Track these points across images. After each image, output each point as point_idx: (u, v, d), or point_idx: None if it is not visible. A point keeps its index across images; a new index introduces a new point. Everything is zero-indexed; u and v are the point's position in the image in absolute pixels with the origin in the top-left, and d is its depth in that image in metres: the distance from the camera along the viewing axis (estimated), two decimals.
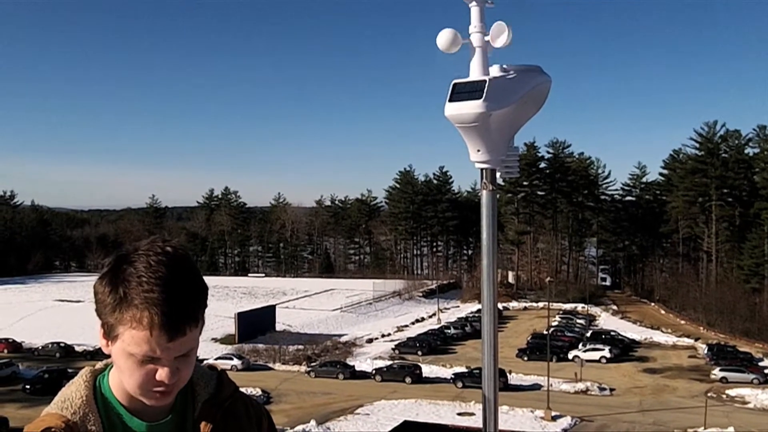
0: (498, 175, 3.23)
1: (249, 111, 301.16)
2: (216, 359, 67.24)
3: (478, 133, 3.11)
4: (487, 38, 3.16)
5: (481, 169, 3.19)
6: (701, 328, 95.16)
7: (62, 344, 77.83)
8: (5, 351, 77.04)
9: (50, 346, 77.93)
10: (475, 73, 3.21)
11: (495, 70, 3.22)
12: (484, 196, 3.17)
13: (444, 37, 3.12)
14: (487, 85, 3.09)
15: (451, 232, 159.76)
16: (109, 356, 1.89)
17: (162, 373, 1.77)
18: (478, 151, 3.17)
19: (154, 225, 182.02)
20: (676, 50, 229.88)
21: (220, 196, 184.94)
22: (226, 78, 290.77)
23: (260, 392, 58.84)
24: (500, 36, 3.11)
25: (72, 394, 1.93)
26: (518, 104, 3.18)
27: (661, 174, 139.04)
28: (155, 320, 1.71)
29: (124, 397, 1.93)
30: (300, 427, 49.26)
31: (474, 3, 3.23)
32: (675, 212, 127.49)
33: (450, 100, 3.12)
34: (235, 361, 69.09)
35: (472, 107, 3.05)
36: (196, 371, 2.02)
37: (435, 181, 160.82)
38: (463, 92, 3.11)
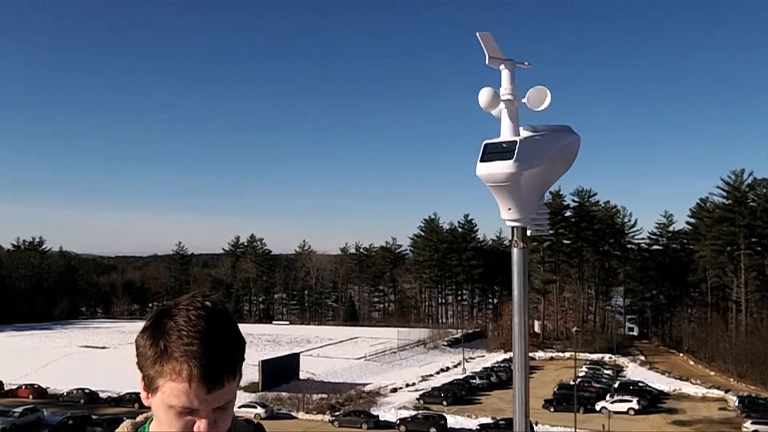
0: (528, 232, 3.30)
1: (274, 158, 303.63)
2: (239, 407, 66.92)
3: (510, 192, 3.19)
4: (522, 100, 3.25)
5: (512, 227, 3.26)
6: (731, 379, 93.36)
7: (87, 390, 77.90)
8: (30, 396, 77.37)
9: (75, 392, 78.01)
10: (505, 134, 3.30)
11: (525, 130, 3.31)
12: (515, 253, 3.24)
13: (484, 96, 3.22)
14: (518, 145, 3.18)
15: (477, 281, 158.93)
16: (148, 408, 1.94)
17: (200, 425, 1.80)
18: (509, 209, 3.24)
19: (180, 272, 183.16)
20: (703, 98, 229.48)
21: (245, 244, 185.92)
22: (249, 126, 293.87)
23: None
24: (540, 100, 3.21)
25: None
26: (548, 164, 3.26)
27: (688, 223, 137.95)
28: (194, 372, 1.76)
29: None
30: None
31: (503, 66, 3.34)
32: (703, 261, 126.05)
33: (481, 160, 3.21)
34: (259, 410, 68.74)
35: (503, 167, 3.14)
36: (233, 424, 2.03)
37: (460, 229, 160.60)
38: (495, 152, 3.20)
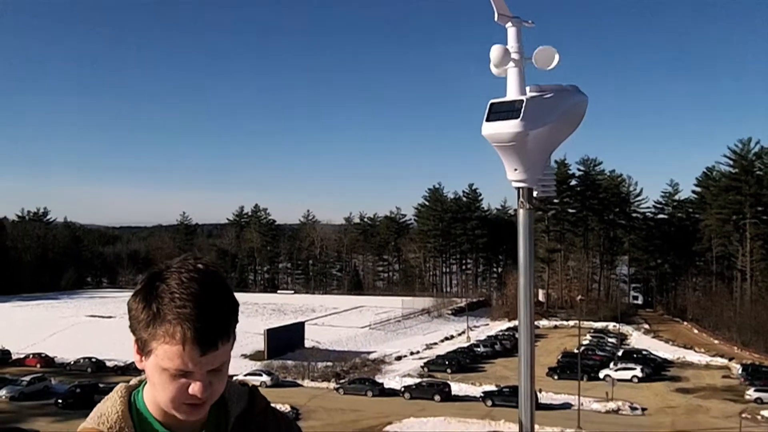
0: (534, 193, 3.24)
1: (278, 129, 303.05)
2: (245, 375, 67.42)
3: (516, 152, 3.12)
4: (528, 59, 3.17)
5: (518, 188, 3.19)
6: (735, 347, 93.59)
7: (94, 359, 78.51)
8: (38, 366, 77.96)
9: (82, 361, 78.61)
10: (512, 93, 3.22)
11: (531, 90, 3.22)
12: (521, 214, 3.18)
13: (495, 53, 3.14)
14: (524, 104, 3.09)
15: (481, 250, 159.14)
16: (142, 372, 1.94)
17: (195, 387, 1.81)
18: (515, 170, 3.17)
19: (184, 242, 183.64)
20: (710, 66, 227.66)
21: (249, 214, 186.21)
22: (254, 97, 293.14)
23: (289, 408, 58.79)
24: (548, 60, 3.13)
25: (108, 409, 1.98)
26: (555, 124, 3.18)
27: (694, 192, 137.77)
28: (188, 335, 1.75)
29: (158, 413, 1.97)
30: None
31: (510, 24, 3.25)
32: (708, 230, 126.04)
33: (487, 120, 3.13)
34: (264, 377, 69.15)
35: (509, 127, 3.06)
36: (228, 387, 2.06)
37: (464, 199, 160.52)
38: (501, 112, 3.12)
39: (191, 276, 1.82)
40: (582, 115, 3.36)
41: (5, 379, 68.05)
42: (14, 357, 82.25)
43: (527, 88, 3.24)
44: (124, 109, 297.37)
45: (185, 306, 1.77)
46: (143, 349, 1.84)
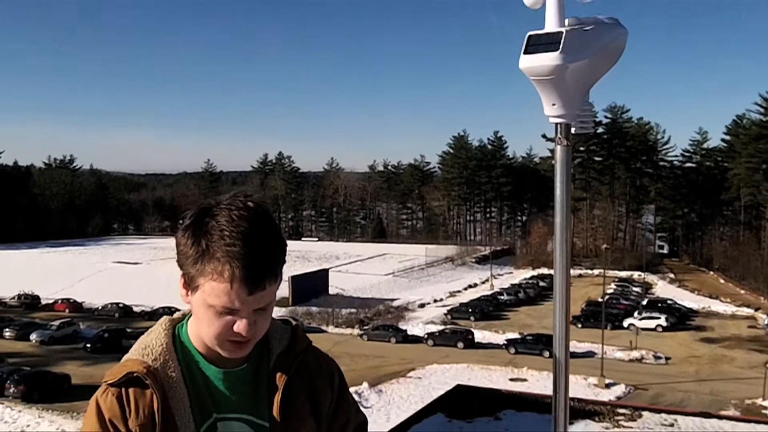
0: (572, 129, 3.11)
1: (302, 76, 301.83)
2: None
3: (554, 86, 2.96)
4: None
5: (556, 124, 3.06)
6: (762, 297, 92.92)
7: (121, 305, 79.72)
8: (67, 311, 79.27)
9: (109, 306, 79.87)
10: (550, 25, 3.06)
11: (570, 23, 3.08)
12: (559, 151, 3.04)
13: None
14: (563, 36, 2.94)
15: (505, 198, 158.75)
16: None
17: (240, 325, 1.81)
18: (553, 105, 3.02)
19: (209, 189, 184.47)
20: (740, 11, 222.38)
21: (274, 161, 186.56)
22: (279, 43, 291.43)
23: None
24: None
25: (152, 341, 2.00)
26: (595, 57, 3.02)
27: (723, 140, 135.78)
28: (236, 273, 1.74)
29: (202, 347, 1.99)
30: (353, 389, 48.89)
31: None
32: (737, 179, 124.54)
33: (525, 53, 2.97)
34: None
35: (548, 59, 2.90)
36: (271, 325, 2.06)
37: (489, 147, 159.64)
38: (539, 44, 2.96)
39: (241, 214, 1.80)
40: (622, 49, 3.21)
41: (35, 324, 69.31)
42: (43, 302, 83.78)
43: (566, 21, 3.09)
44: (149, 56, 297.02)
45: (235, 244, 1.75)
46: (190, 285, 1.84)
